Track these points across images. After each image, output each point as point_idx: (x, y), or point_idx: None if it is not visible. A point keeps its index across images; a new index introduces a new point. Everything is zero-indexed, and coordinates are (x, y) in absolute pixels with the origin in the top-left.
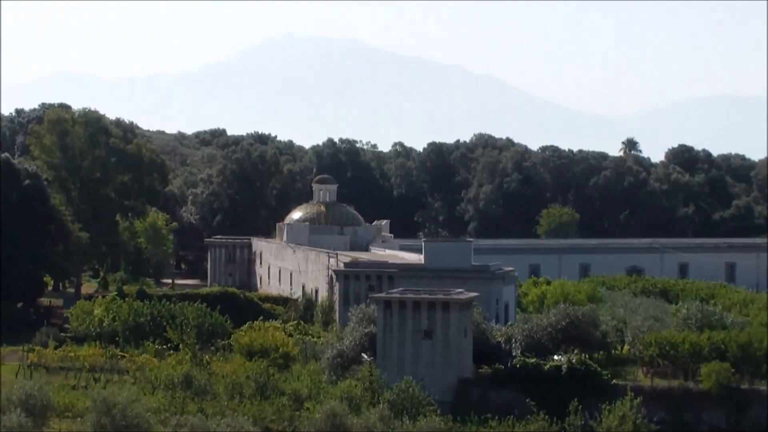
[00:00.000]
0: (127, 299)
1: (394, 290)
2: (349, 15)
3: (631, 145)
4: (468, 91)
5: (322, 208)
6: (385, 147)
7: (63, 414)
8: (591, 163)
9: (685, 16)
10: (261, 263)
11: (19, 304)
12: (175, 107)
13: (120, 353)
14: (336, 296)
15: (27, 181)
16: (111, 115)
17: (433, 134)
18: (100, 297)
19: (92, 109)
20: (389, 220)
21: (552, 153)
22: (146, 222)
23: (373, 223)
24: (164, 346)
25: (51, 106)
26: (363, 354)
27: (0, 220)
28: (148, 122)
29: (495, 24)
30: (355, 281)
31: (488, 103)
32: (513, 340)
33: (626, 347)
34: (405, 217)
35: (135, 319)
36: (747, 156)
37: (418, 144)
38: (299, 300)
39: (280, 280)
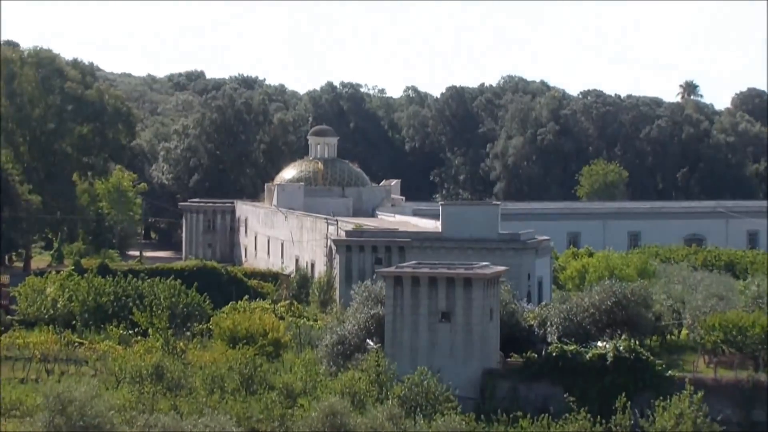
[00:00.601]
0: (86, 275)
1: (406, 264)
2: None
3: (690, 88)
4: (494, 23)
5: (320, 165)
6: (395, 92)
7: (9, 413)
8: (642, 110)
9: None
10: (246, 232)
11: None
12: (143, 44)
13: (77, 340)
14: (336, 271)
15: None
16: (67, 54)
17: (452, 76)
18: (53, 272)
19: (44, 47)
20: (400, 180)
21: (595, 98)
22: (109, 183)
23: (381, 184)
24: (130, 332)
25: None
26: (368, 340)
27: None
28: (111, 63)
29: None
30: (359, 253)
31: (518, 37)
32: (548, 324)
33: (684, 332)
34: (419, 177)
35: (95, 299)
36: None
37: (435, 88)
38: (292, 276)
39: (269, 252)
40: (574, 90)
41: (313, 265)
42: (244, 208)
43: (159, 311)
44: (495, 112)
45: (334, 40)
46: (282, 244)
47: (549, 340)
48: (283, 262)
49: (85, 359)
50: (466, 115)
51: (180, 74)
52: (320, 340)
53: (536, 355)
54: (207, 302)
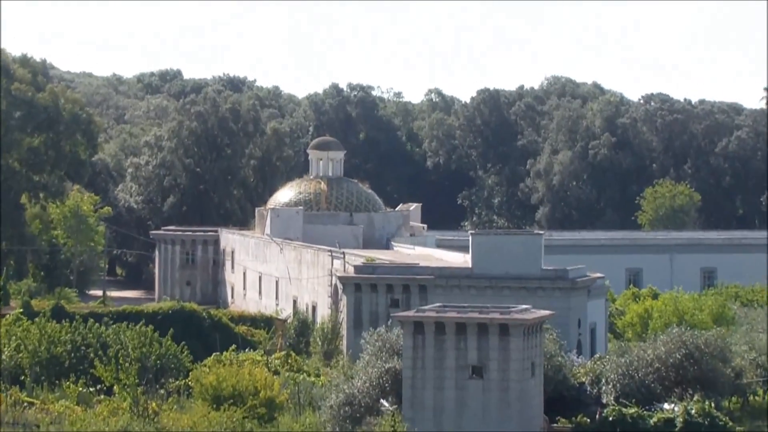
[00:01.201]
0: (37, 320)
1: (428, 306)
2: None
3: None
4: (534, 14)
5: (323, 185)
6: (414, 96)
7: None
8: (718, 119)
9: None
10: (233, 267)
11: None
12: (107, 38)
13: (27, 399)
14: (343, 315)
15: None
16: (13, 50)
17: (484, 77)
18: None
19: None
20: (420, 204)
21: (660, 104)
22: (65, 206)
23: (398, 208)
24: (92, 389)
25: None
26: (382, 400)
27: None
28: (68, 60)
29: None
30: (371, 293)
31: (565, 31)
32: (603, 381)
33: None
34: (444, 200)
35: (49, 349)
36: None
37: (464, 92)
38: (289, 321)
39: (260, 292)
40: (633, 94)
41: (314, 308)
42: (230, 238)
43: (126, 364)
44: (537, 121)
45: (339, 33)
46: (277, 282)
47: (604, 400)
48: (278, 304)
49: (36, 423)
50: (502, 124)
51: (152, 74)
52: (324, 400)
53: (588, 420)
54: (185, 353)
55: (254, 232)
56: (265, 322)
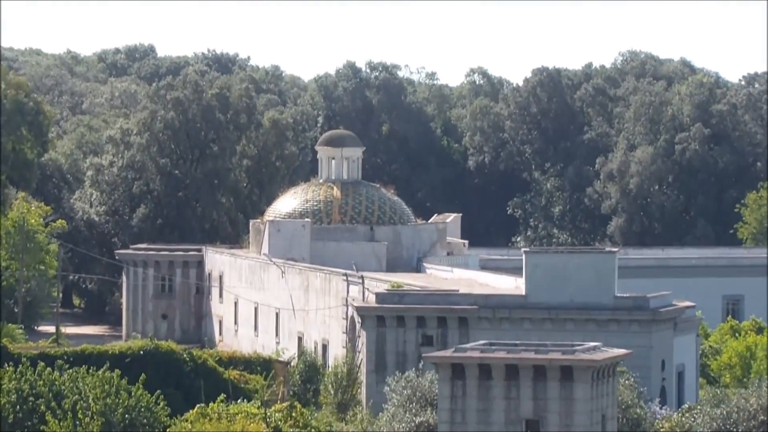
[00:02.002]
0: None
1: (470, 345)
2: None
3: None
4: None
5: (336, 191)
6: (452, 77)
7: None
8: None
9: None
10: (221, 295)
11: None
12: (60, 8)
13: None
14: (361, 356)
15: None
16: None
17: (541, 54)
18: None
19: None
20: (461, 215)
21: (765, 87)
22: (8, 219)
23: (431, 220)
24: None
25: None
26: None
27: None
28: (11, 35)
29: None
30: (398, 328)
31: None
32: None
33: None
34: (490, 209)
35: None
36: None
37: (513, 72)
38: (293, 364)
39: (256, 327)
40: (732, 74)
41: (325, 347)
42: (217, 259)
43: (87, 419)
44: (609, 109)
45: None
46: (277, 315)
47: None
48: (278, 343)
49: None
50: (564, 112)
51: (117, 51)
52: None
53: None
54: (161, 405)
55: (248, 252)
56: (263, 366)
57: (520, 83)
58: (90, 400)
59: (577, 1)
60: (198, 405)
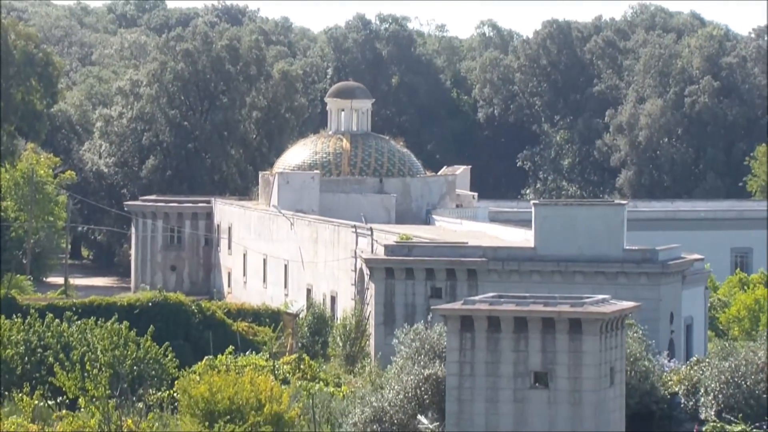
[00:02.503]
0: None
1: (479, 297)
2: None
3: None
4: None
5: (345, 143)
6: (462, 30)
7: None
8: None
9: None
10: (230, 247)
11: None
12: None
13: None
14: (370, 308)
15: None
16: None
17: (551, 5)
18: None
19: None
20: (470, 167)
21: None
22: (16, 170)
23: (440, 173)
24: (51, 402)
25: None
26: (420, 417)
27: None
28: None
29: None
30: (406, 280)
31: None
32: (702, 391)
33: None
34: (499, 161)
35: None
36: None
37: (523, 25)
38: (301, 316)
39: (265, 279)
40: (742, 27)
41: (333, 300)
42: (226, 211)
43: (95, 371)
44: (619, 61)
45: None
46: (286, 267)
47: (703, 416)
48: (287, 295)
49: None
50: (574, 65)
51: (126, 1)
52: (346, 416)
53: None
54: (169, 357)
55: (257, 203)
56: (271, 318)
57: (530, 36)
58: (98, 352)
59: None
60: (206, 357)
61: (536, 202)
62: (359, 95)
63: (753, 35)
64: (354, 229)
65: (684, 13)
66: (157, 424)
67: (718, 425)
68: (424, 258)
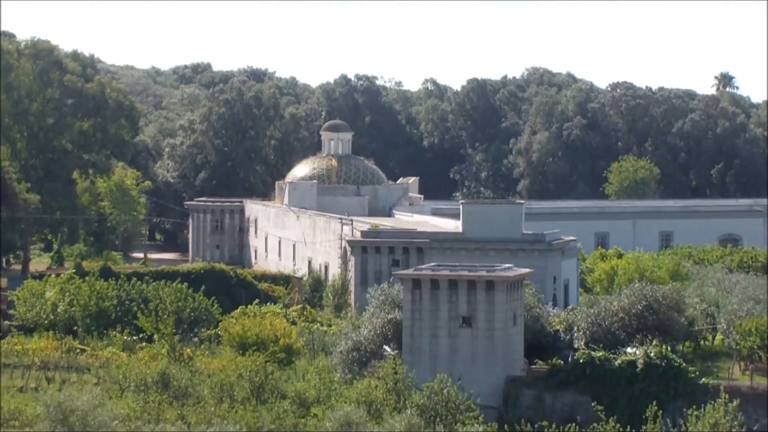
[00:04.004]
0: (87, 278)
1: (425, 266)
2: None
3: (725, 80)
4: (517, 12)
5: (334, 162)
6: (413, 85)
7: (8, 423)
8: (674, 103)
9: None
10: (256, 232)
11: None
12: (146, 35)
13: (79, 346)
14: (351, 274)
15: None
16: (66, 45)
17: (473, 68)
18: (53, 276)
19: (42, 38)
20: (418, 178)
21: (624, 91)
22: (111, 181)
23: (398, 182)
24: (135, 338)
25: None
26: (385, 347)
27: None
28: (113, 55)
29: None
30: (376, 254)
31: (543, 27)
32: (575, 329)
33: (719, 337)
34: (438, 174)
35: (97, 303)
36: None
37: (455, 81)
38: (304, 279)
39: (280, 254)
40: (602, 82)
41: (326, 268)
42: (253, 208)
43: (165, 316)
44: (518, 106)
45: (348, 30)
46: (294, 246)
47: (576, 346)
48: (295, 265)
49: (87, 367)
50: (488, 108)
51: (185, 66)
52: (334, 347)
53: (562, 362)
54: (215, 307)
55: (274, 203)
56: (284, 280)
57: (459, 89)
58: (167, 304)
59: (497, 31)
60: (240, 307)
61: (463, 201)
62: (343, 130)
63: (609, 88)
64: (340, 221)
65: (563, 73)
66: (207, 352)
67: (586, 352)
68: (388, 240)
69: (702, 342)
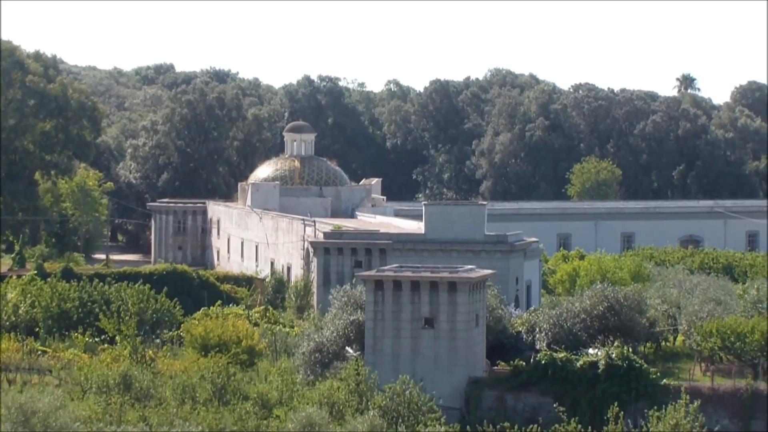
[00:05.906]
0: (49, 280)
1: (387, 267)
2: None
3: (687, 82)
4: (480, 13)
5: (296, 163)
6: (375, 86)
7: None
8: (636, 105)
9: None
10: (219, 234)
11: None
12: (108, 36)
13: (41, 348)
14: (313, 275)
15: None
16: (28, 46)
17: (436, 69)
18: (14, 277)
19: (4, 38)
20: (381, 179)
21: (587, 92)
22: (73, 182)
23: (361, 183)
24: (97, 339)
25: None
26: (347, 348)
27: None
28: (75, 55)
29: None
30: (338, 256)
31: (506, 28)
32: (537, 330)
33: (680, 338)
34: (401, 175)
35: (59, 305)
36: None
37: (418, 82)
38: (267, 280)
39: (242, 255)
40: (564, 83)
41: (289, 269)
42: (216, 209)
43: (127, 317)
44: (481, 107)
45: (311, 31)
46: (256, 247)
47: (538, 347)
48: (257, 266)
49: (48, 368)
50: (451, 110)
51: (148, 67)
52: (297, 348)
53: (524, 363)
54: (177, 308)
55: (237, 204)
56: (247, 281)
57: (422, 90)
58: (129, 305)
59: (460, 32)
60: (202, 308)
61: (426, 203)
62: (306, 131)
63: (571, 89)
64: (303, 222)
65: (525, 74)
66: (169, 353)
67: (548, 353)
68: (350, 241)
69: (663, 343)
